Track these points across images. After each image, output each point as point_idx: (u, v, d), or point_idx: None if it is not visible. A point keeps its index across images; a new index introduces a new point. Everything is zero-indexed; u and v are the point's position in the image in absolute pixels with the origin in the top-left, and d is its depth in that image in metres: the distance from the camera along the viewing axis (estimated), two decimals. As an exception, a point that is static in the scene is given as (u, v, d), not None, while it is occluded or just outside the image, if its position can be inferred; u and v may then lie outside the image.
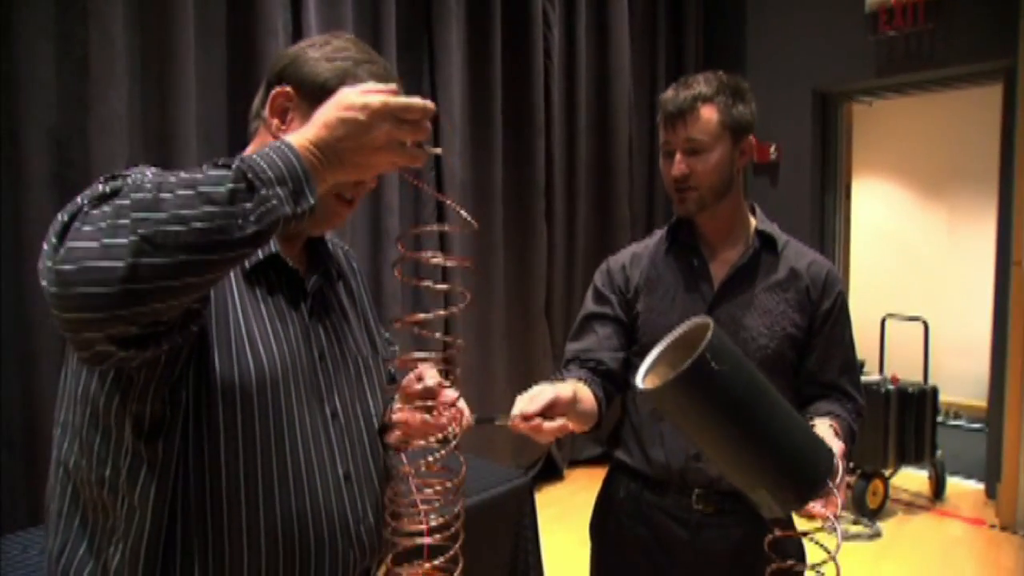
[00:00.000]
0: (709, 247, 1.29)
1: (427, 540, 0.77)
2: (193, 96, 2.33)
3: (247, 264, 0.84)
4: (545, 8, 3.67)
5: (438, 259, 0.78)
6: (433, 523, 0.75)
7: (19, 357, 2.00)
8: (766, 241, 1.28)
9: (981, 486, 3.76)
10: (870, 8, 3.84)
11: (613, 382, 1.27)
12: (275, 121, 0.85)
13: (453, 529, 0.78)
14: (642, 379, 0.81)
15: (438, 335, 0.87)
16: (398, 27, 3.02)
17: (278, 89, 0.85)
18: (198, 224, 0.60)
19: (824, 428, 1.09)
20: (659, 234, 1.36)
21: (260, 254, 0.85)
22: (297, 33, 2.61)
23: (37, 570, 1.50)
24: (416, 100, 0.70)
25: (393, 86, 0.73)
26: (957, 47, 3.66)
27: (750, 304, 1.24)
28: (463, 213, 0.77)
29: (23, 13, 2.00)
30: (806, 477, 0.78)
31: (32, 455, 2.00)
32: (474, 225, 0.75)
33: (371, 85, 0.72)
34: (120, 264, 0.58)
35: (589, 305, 1.34)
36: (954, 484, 3.81)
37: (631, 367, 1.28)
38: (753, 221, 1.31)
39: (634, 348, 1.31)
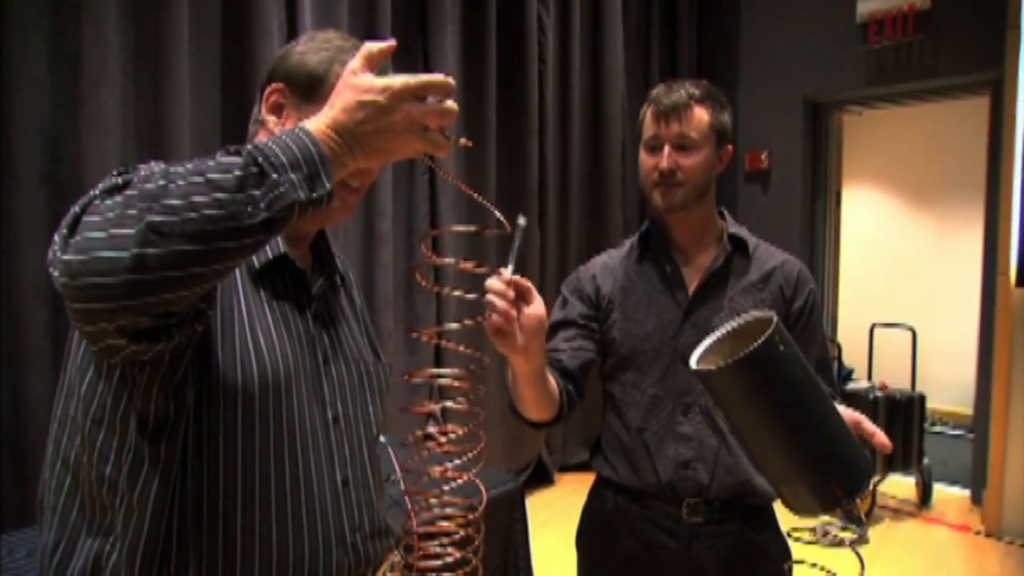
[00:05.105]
0: (681, 252, 1.30)
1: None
2: (187, 94, 2.32)
3: (256, 264, 0.84)
4: (540, 13, 3.68)
5: (482, 268, 0.76)
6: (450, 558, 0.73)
7: (8, 356, 1.98)
8: (738, 244, 1.29)
9: (967, 493, 3.79)
10: (861, 19, 3.89)
11: (571, 380, 1.25)
12: (271, 118, 0.85)
13: (472, 564, 0.77)
14: (696, 364, 0.80)
15: (462, 348, 0.86)
16: (393, 29, 3.02)
17: (270, 87, 0.86)
18: (206, 212, 0.59)
19: None
20: (629, 243, 1.36)
21: (269, 253, 0.84)
22: (292, 34, 2.60)
23: (24, 572, 1.48)
24: (437, 76, 0.68)
25: (392, 42, 0.70)
26: (946, 59, 3.71)
27: (725, 307, 1.25)
28: (497, 213, 0.75)
29: (15, 7, 1.98)
30: (854, 473, 0.77)
31: (21, 455, 1.98)
32: (507, 227, 0.73)
33: (369, 46, 0.69)
34: (126, 254, 0.57)
35: (555, 314, 1.33)
36: (940, 491, 3.84)
37: (589, 371, 1.28)
38: (723, 225, 1.32)
39: (611, 360, 1.30)
